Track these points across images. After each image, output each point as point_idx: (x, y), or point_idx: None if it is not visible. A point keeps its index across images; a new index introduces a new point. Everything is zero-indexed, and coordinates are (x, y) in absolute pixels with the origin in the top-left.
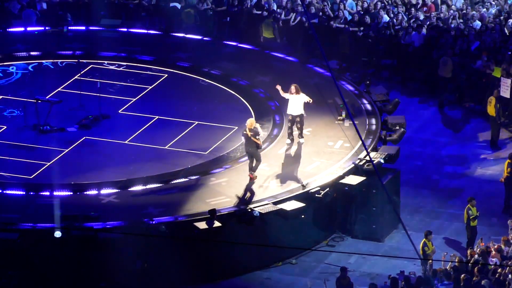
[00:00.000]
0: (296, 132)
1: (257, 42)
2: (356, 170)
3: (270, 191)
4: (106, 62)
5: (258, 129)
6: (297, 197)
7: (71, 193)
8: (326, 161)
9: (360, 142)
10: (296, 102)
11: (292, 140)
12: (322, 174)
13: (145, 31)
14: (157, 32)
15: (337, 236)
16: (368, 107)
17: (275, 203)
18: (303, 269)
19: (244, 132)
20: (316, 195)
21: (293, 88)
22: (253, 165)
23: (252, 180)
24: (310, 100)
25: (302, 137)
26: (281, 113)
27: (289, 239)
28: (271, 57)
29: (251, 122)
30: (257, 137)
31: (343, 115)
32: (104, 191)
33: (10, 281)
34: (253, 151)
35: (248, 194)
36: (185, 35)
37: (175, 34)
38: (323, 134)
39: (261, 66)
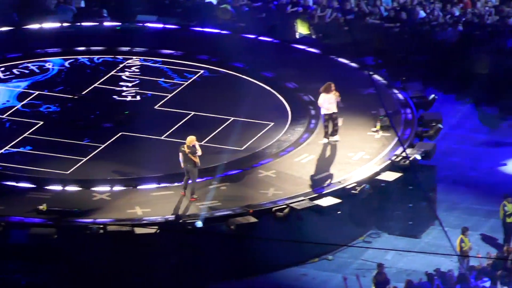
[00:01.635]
0: (330, 130)
1: (292, 38)
2: (392, 166)
3: (306, 187)
4: (141, 57)
5: (197, 147)
6: (333, 193)
7: (108, 188)
8: (369, 153)
9: (397, 138)
10: (326, 100)
11: (327, 138)
12: (359, 170)
13: (180, 26)
14: (192, 28)
15: (373, 232)
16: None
17: (311, 199)
18: (339, 265)
19: (182, 148)
20: (352, 191)
21: (325, 86)
22: (188, 183)
23: (191, 200)
24: (338, 99)
25: (335, 135)
26: (316, 109)
27: (325, 235)
28: (305, 53)
29: (190, 139)
30: (195, 154)
31: (378, 126)
32: (140, 187)
33: (45, 276)
34: (190, 168)
35: (284, 190)
36: (220, 31)
37: (209, 29)
38: (360, 131)
39: (297, 62)
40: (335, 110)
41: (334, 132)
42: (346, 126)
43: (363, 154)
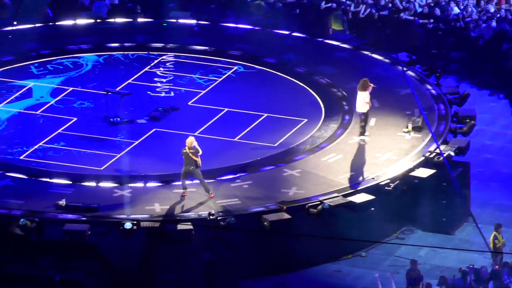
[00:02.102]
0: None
1: (326, 34)
2: (426, 163)
3: (339, 183)
4: (174, 54)
5: (197, 146)
6: (366, 190)
7: (141, 184)
8: (396, 154)
9: (430, 135)
10: (360, 98)
11: (361, 134)
12: (392, 166)
13: (216, 23)
14: (227, 24)
15: (407, 229)
16: (438, 99)
17: (344, 196)
18: (373, 262)
19: (184, 151)
20: (386, 187)
21: (361, 83)
22: (201, 184)
23: (211, 197)
24: (368, 102)
25: (364, 134)
26: (350, 106)
27: (359, 232)
28: (339, 49)
29: (190, 140)
30: (197, 155)
31: (409, 127)
32: (174, 183)
33: (79, 272)
34: (193, 170)
35: (317, 187)
36: (254, 27)
37: (244, 26)
38: (392, 131)
39: (331, 58)
40: (365, 110)
41: (362, 131)
42: (378, 125)
43: (391, 154)
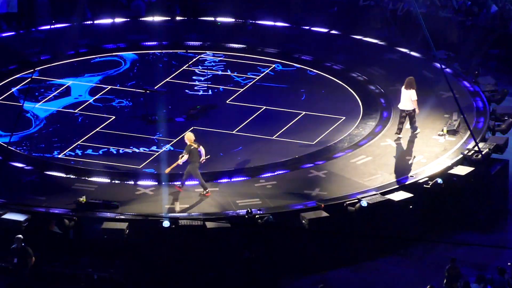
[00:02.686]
0: (407, 127)
1: (365, 32)
2: (464, 160)
3: (377, 181)
4: (212, 52)
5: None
6: (405, 188)
7: (179, 182)
8: (427, 157)
9: (469, 132)
10: (405, 96)
11: (399, 132)
12: (431, 164)
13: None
14: (262, 22)
15: (444, 226)
16: (476, 97)
17: (382, 194)
18: (411, 260)
19: (192, 147)
20: (424, 185)
21: (407, 82)
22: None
23: (207, 196)
24: (415, 100)
25: (414, 129)
26: (388, 101)
27: (397, 230)
28: (379, 47)
29: (191, 135)
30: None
31: (444, 130)
32: (213, 182)
33: (117, 270)
34: (193, 168)
35: (356, 185)
36: (292, 25)
37: (282, 23)
38: (426, 134)
39: (368, 56)
40: (412, 108)
41: (414, 127)
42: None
43: (421, 157)
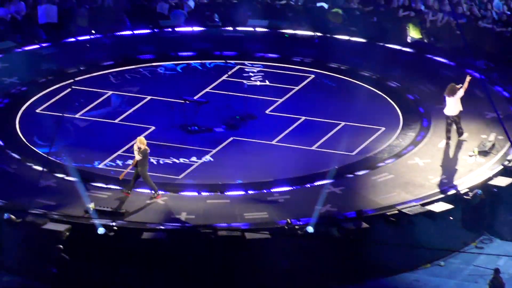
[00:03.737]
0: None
1: (404, 42)
2: (505, 171)
3: (417, 192)
4: (249, 63)
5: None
6: (445, 199)
7: (219, 193)
8: (448, 177)
9: (510, 143)
10: (450, 102)
11: (449, 140)
12: (471, 175)
13: (292, 31)
14: (305, 33)
15: (485, 238)
16: None
17: (423, 205)
18: (451, 271)
19: (147, 151)
20: (465, 196)
21: (449, 89)
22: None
23: (158, 198)
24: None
25: (461, 135)
26: (429, 115)
27: (437, 241)
28: (418, 57)
29: (143, 139)
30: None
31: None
32: (251, 191)
33: (157, 280)
34: (143, 170)
35: (395, 195)
36: (331, 35)
37: (322, 34)
38: (474, 137)
39: (408, 66)
40: (455, 113)
41: (460, 132)
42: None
43: (443, 177)
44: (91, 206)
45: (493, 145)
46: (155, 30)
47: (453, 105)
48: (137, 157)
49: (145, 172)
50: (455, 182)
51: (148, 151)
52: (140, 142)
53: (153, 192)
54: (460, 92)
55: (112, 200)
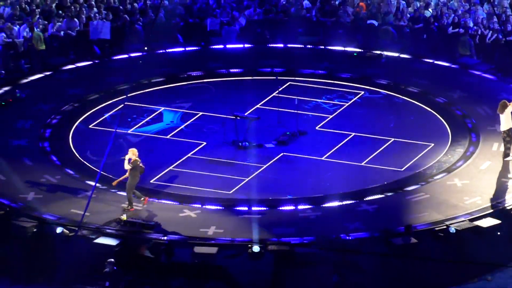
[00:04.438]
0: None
1: (454, 59)
2: None
3: (466, 207)
4: (301, 79)
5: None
6: (493, 214)
7: (268, 208)
8: (485, 200)
9: None
10: (502, 119)
11: (509, 155)
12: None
13: (342, 48)
14: (354, 49)
15: None
16: None
17: (471, 220)
18: (498, 285)
19: (140, 164)
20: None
21: (500, 106)
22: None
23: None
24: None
25: (507, 155)
26: (477, 131)
27: (485, 256)
28: (468, 74)
29: (135, 151)
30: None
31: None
32: (301, 207)
33: None
34: (133, 182)
35: (445, 211)
36: (381, 52)
37: (370, 51)
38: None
39: (457, 83)
40: (505, 129)
41: (506, 153)
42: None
43: (478, 199)
44: (123, 217)
45: None
46: (206, 47)
47: (504, 122)
48: (127, 166)
49: (132, 183)
50: (503, 197)
51: (138, 162)
52: (133, 153)
53: (127, 204)
54: (510, 108)
55: (144, 212)
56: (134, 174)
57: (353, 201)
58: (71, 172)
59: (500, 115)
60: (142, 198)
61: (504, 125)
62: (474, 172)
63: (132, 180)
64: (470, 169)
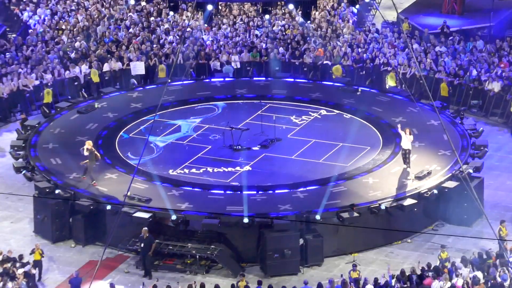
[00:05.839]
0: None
1: (383, 88)
2: (453, 177)
3: (393, 192)
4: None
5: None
6: (412, 196)
7: (255, 192)
8: (433, 171)
9: (457, 157)
10: (404, 139)
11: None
12: (430, 180)
13: (306, 80)
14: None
15: (439, 223)
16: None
17: (396, 200)
18: (415, 246)
19: (95, 152)
20: (425, 194)
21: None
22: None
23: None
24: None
25: (408, 166)
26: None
27: (406, 225)
28: (394, 99)
29: (91, 142)
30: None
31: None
32: (278, 191)
33: (213, 252)
34: (90, 165)
35: (378, 194)
36: (333, 83)
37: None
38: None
39: (386, 104)
40: (409, 148)
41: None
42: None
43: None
44: (129, 194)
45: (428, 173)
46: (211, 80)
47: (406, 141)
48: (85, 153)
49: (91, 165)
50: (418, 184)
51: (93, 150)
52: (88, 144)
53: (84, 176)
54: (404, 135)
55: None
56: (91, 158)
57: (316, 187)
58: (121, 170)
59: (403, 136)
60: (94, 181)
61: (404, 144)
62: (385, 174)
63: (90, 163)
64: (383, 171)
